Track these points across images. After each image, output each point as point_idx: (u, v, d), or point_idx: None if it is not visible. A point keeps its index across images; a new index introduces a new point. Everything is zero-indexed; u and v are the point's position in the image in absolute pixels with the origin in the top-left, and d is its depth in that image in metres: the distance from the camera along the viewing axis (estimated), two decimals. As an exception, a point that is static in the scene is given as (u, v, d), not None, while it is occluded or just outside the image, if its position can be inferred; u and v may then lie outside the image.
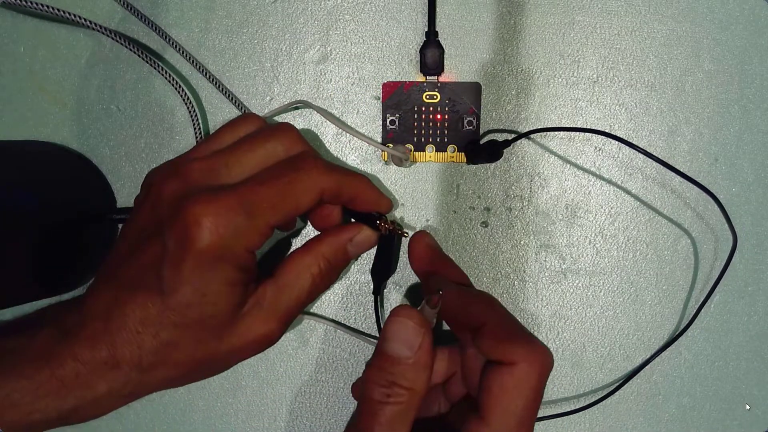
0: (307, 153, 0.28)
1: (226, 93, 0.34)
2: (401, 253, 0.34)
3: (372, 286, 0.34)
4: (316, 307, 0.35)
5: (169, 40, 0.33)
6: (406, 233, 0.32)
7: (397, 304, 0.32)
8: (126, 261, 0.26)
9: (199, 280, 0.25)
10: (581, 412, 0.34)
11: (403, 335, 0.26)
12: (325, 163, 0.28)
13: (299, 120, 0.34)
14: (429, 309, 0.26)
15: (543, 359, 0.25)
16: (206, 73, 0.34)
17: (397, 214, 0.34)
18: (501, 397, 0.24)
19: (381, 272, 0.33)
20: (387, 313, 0.34)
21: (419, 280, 0.33)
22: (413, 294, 0.35)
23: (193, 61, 0.33)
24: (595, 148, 0.34)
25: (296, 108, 0.34)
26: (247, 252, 0.26)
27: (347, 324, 0.35)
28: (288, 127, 0.29)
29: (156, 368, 0.26)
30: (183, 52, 0.33)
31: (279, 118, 0.34)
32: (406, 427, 0.25)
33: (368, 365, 0.26)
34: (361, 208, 0.30)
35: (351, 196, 0.29)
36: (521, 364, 0.24)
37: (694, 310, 0.34)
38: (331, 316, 0.35)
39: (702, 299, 0.33)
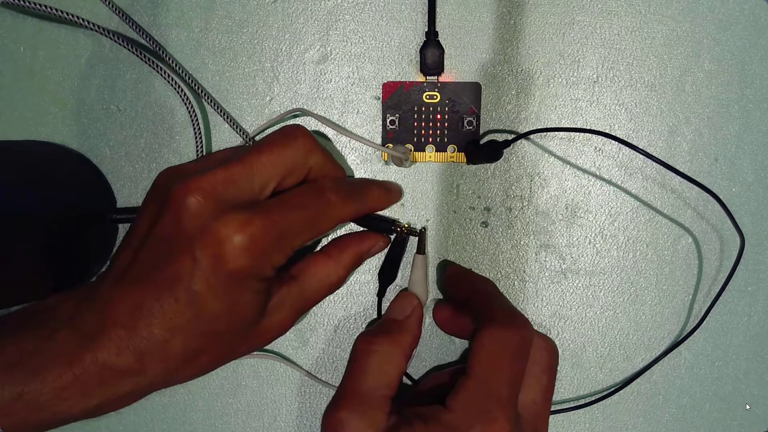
0: (330, 182, 0.29)
1: (218, 109, 0.34)
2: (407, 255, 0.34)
3: (378, 288, 0.34)
4: (318, 307, 0.35)
5: (164, 52, 0.33)
6: (424, 228, 0.34)
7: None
8: (149, 268, 0.26)
9: (229, 295, 0.26)
10: (581, 410, 0.34)
11: (398, 305, 0.32)
12: (346, 190, 0.30)
13: (298, 121, 0.34)
14: (419, 257, 0.33)
15: (518, 323, 0.28)
16: (199, 87, 0.34)
17: (398, 214, 0.34)
18: (480, 351, 0.27)
19: (389, 275, 0.34)
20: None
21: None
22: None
23: (184, 73, 0.33)
24: (595, 148, 0.34)
25: (295, 116, 0.34)
26: (273, 269, 0.27)
27: (348, 324, 0.35)
28: (301, 132, 0.29)
29: (181, 371, 0.27)
30: (174, 63, 0.33)
31: (277, 126, 0.34)
32: (385, 380, 0.28)
33: None
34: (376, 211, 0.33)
35: (368, 212, 0.32)
36: (496, 324, 0.27)
37: (697, 311, 0.34)
38: (333, 316, 0.35)
39: (708, 302, 0.34)
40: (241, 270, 0.25)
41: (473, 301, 0.31)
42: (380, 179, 0.34)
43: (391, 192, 0.33)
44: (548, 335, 0.30)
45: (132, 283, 0.26)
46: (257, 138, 0.34)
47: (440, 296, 0.35)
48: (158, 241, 0.26)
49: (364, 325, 0.35)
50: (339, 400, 0.28)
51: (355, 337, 0.29)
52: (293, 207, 0.27)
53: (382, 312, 0.34)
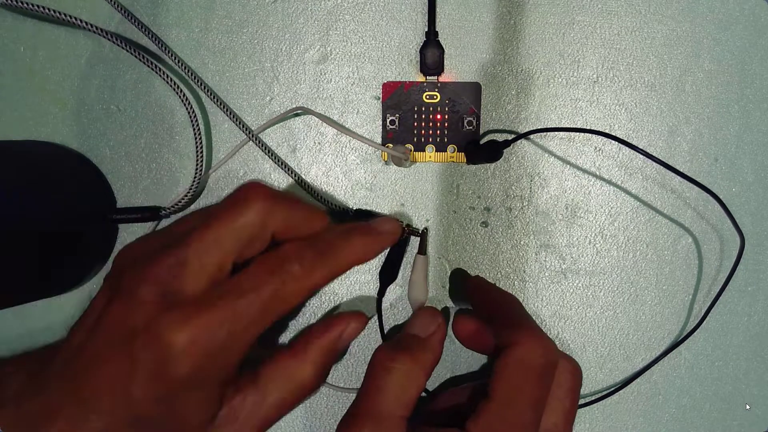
0: (293, 249, 0.26)
1: (219, 103, 0.34)
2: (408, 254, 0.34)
3: (378, 288, 0.34)
4: (318, 307, 0.35)
5: (165, 48, 0.33)
6: (426, 229, 0.34)
7: (398, 303, 0.34)
8: (94, 361, 0.24)
9: (171, 402, 0.24)
10: (581, 410, 0.34)
11: (421, 321, 0.29)
12: (315, 253, 0.26)
13: (298, 121, 0.34)
14: (420, 257, 0.33)
15: (544, 345, 0.26)
16: (200, 83, 0.34)
17: (398, 214, 0.34)
18: (504, 373, 0.26)
19: (389, 275, 0.34)
20: (388, 312, 0.34)
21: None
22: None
23: (187, 69, 0.33)
24: (595, 148, 0.34)
25: (296, 115, 0.34)
26: (227, 369, 0.25)
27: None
28: (253, 195, 0.26)
29: None
30: (177, 60, 0.33)
31: (279, 125, 0.34)
32: (403, 401, 0.26)
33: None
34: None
35: (347, 269, 0.28)
36: (521, 346, 0.26)
37: (697, 311, 0.34)
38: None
39: (708, 302, 0.34)
40: (183, 376, 0.23)
41: (497, 318, 0.29)
42: (374, 218, 0.32)
43: (380, 236, 0.30)
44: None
45: (77, 375, 0.24)
46: (260, 135, 0.34)
47: (438, 296, 0.35)
48: (105, 333, 0.24)
49: (366, 328, 0.35)
50: (354, 418, 0.26)
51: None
52: (244, 293, 0.24)
53: (382, 312, 0.34)
